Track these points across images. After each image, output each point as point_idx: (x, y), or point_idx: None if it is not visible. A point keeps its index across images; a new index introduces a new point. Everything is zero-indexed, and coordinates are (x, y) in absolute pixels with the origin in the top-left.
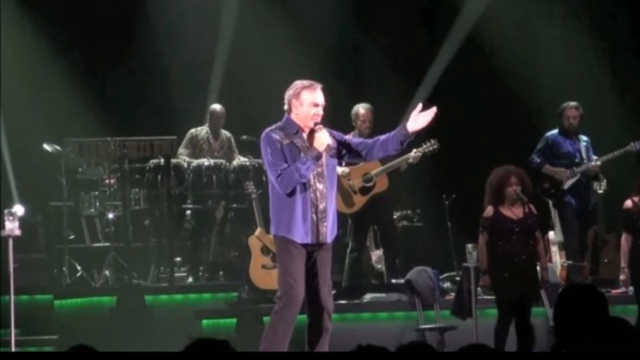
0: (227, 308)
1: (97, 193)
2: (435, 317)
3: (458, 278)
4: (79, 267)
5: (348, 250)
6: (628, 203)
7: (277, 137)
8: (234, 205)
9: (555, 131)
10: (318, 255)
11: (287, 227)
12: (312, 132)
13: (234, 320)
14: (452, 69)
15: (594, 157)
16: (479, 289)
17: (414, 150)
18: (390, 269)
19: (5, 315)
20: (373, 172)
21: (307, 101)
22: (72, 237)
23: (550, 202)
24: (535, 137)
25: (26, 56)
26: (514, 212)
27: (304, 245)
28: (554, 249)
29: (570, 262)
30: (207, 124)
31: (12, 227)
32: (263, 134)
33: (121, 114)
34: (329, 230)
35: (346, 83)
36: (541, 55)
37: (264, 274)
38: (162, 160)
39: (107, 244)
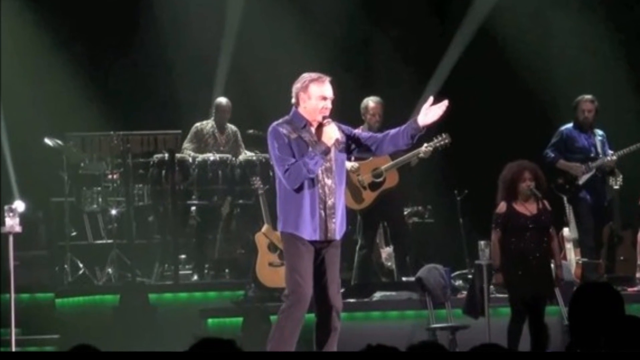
0: (233, 307)
1: (99, 189)
2: (446, 316)
3: (470, 276)
4: (81, 265)
5: (357, 248)
6: None
7: (284, 131)
8: (240, 201)
9: (569, 125)
10: (326, 252)
11: (294, 224)
12: (320, 126)
13: (240, 319)
14: (464, 61)
15: (610, 152)
16: (491, 287)
17: (425, 144)
18: (400, 266)
19: (6, 314)
20: (383, 167)
21: (315, 94)
22: (74, 233)
23: (565, 198)
24: (550, 131)
25: (27, 48)
26: (527, 209)
27: (312, 242)
28: (569, 246)
29: (585, 259)
30: (212, 118)
31: (12, 223)
32: (270, 128)
33: (124, 108)
34: (338, 227)
35: (355, 75)
36: (556, 47)
37: (270, 272)
38: (166, 155)
39: (109, 241)
